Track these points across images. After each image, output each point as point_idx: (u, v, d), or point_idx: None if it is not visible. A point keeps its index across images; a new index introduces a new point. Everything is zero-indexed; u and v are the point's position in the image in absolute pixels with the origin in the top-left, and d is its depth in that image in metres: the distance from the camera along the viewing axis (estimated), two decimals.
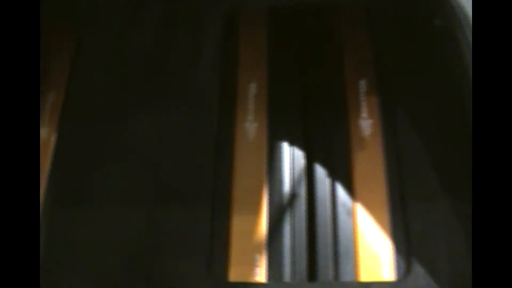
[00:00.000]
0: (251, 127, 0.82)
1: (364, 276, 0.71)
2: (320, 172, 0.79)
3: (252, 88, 0.86)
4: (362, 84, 0.87)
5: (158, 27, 0.95)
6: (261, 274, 0.72)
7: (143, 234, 0.77)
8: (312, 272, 0.73)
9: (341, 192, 0.77)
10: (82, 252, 0.77)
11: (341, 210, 0.76)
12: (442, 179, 0.76)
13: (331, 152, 0.81)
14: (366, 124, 0.83)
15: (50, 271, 0.75)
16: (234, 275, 0.72)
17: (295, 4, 0.97)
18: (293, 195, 0.77)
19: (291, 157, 0.80)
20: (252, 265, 0.73)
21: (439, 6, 0.83)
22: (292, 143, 0.81)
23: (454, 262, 0.70)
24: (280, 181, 0.78)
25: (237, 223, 0.75)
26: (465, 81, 0.73)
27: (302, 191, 0.78)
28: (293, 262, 0.73)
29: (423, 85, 0.85)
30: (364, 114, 0.84)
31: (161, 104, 0.87)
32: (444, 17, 0.84)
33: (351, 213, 0.76)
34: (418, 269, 0.70)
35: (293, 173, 0.79)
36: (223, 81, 0.87)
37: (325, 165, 0.80)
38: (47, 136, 0.93)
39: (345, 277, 0.71)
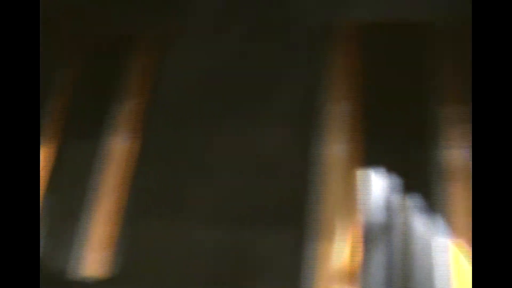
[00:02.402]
0: (341, 150, 0.78)
1: None
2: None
3: (344, 107, 0.82)
4: None
5: (245, 39, 0.93)
6: None
7: (227, 254, 0.75)
8: None
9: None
10: (163, 264, 0.77)
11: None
12: None
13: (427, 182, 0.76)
14: None
15: (131, 276, 0.75)
16: None
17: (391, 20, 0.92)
18: (388, 226, 0.73)
19: (386, 184, 0.76)
20: None
21: None
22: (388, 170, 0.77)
23: None
24: (374, 210, 0.74)
25: (326, 249, 0.72)
26: None
27: (397, 222, 0.74)
28: None
29: None
30: None
31: (249, 119, 0.85)
32: None
33: None
34: None
35: (388, 202, 0.75)
36: (311, 99, 0.84)
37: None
38: (131, 143, 0.93)
39: None
